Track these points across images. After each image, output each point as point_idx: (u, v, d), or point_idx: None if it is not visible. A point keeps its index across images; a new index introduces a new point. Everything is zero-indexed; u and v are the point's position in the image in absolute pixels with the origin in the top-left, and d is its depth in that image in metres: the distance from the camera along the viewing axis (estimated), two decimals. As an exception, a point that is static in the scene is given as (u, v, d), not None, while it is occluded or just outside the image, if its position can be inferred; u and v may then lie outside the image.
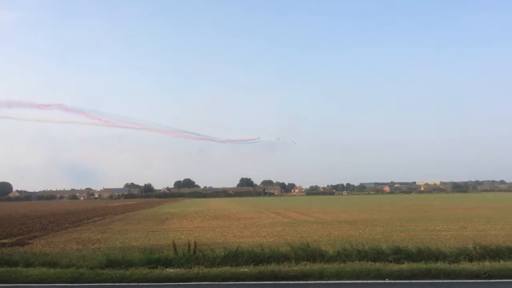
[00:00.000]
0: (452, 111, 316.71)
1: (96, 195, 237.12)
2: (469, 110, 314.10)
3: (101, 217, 47.85)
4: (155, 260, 14.05)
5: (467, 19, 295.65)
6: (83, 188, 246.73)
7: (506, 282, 11.34)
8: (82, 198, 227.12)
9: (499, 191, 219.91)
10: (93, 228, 32.64)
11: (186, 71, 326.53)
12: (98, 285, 12.13)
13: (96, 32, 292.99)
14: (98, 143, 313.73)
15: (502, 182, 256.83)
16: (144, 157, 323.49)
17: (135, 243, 21.60)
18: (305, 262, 13.54)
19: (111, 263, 13.94)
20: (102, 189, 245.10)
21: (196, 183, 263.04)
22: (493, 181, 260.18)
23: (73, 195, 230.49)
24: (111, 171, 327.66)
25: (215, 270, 12.74)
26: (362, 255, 13.97)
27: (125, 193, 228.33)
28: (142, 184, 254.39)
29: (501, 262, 12.89)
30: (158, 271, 12.96)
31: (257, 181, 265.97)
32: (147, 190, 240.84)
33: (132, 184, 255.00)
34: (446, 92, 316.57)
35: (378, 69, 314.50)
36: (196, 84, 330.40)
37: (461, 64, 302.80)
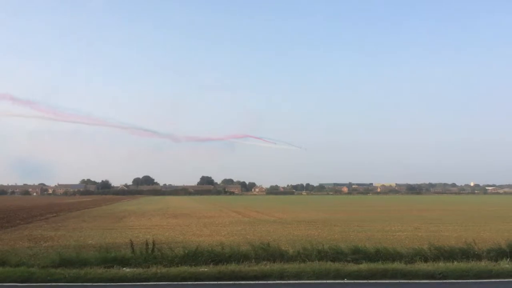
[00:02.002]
0: (406, 117, 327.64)
1: (50, 191, 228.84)
2: (421, 118, 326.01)
3: (54, 214, 46.12)
4: (111, 259, 13.58)
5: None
6: (36, 183, 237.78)
7: (460, 282, 11.69)
8: (35, 194, 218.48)
9: (451, 193, 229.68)
10: (46, 225, 31.41)
11: (149, 67, 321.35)
12: (50, 285, 11.58)
13: (55, 24, 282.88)
14: (51, 137, 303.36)
15: (454, 185, 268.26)
16: (101, 153, 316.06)
17: (90, 241, 20.90)
18: (266, 262, 13.48)
19: (65, 262, 13.36)
20: (56, 185, 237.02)
21: (155, 181, 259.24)
22: (445, 184, 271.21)
23: (25, 190, 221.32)
24: (66, 167, 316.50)
25: (173, 270, 12.45)
26: (322, 255, 14.05)
27: (81, 190, 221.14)
28: (99, 180, 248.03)
29: (455, 263, 13.29)
30: (114, 271, 12.52)
31: (218, 179, 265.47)
32: (104, 187, 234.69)
33: (89, 180, 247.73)
34: (401, 97, 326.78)
35: (339, 71, 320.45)
36: (159, 81, 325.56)
37: (409, 68, 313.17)
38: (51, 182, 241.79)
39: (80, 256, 13.98)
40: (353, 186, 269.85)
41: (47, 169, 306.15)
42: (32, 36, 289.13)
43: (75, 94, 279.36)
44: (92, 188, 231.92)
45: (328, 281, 11.70)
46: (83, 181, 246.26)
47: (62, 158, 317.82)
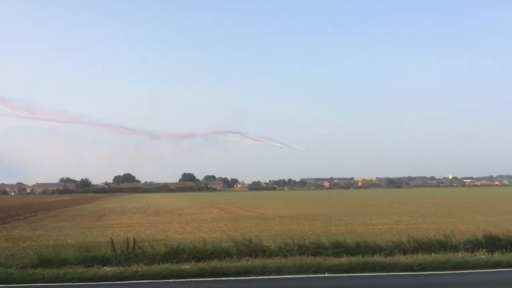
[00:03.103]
0: (384, 113, 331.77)
1: (28, 190, 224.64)
2: (400, 112, 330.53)
3: (33, 213, 45.30)
4: (91, 258, 13.43)
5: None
6: (14, 182, 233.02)
7: (437, 274, 11.93)
8: (12, 193, 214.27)
9: (429, 186, 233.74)
10: (24, 225, 30.85)
11: (128, 64, 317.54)
12: (29, 285, 11.38)
13: (29, 19, 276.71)
14: (27, 135, 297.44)
15: (432, 178, 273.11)
16: (80, 151, 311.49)
17: (70, 241, 20.62)
18: (247, 258, 13.51)
19: (44, 262, 13.16)
20: (35, 184, 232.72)
21: (136, 178, 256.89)
22: (424, 177, 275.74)
23: (2, 190, 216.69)
24: (44, 165, 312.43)
25: (155, 268, 12.39)
26: (303, 249, 14.16)
27: (60, 188, 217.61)
28: (78, 179, 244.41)
29: (433, 254, 13.56)
30: (94, 270, 12.38)
31: (200, 176, 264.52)
32: (84, 185, 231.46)
33: (68, 179, 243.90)
34: (379, 93, 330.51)
35: (315, 65, 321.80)
36: (138, 77, 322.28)
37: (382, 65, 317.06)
38: (29, 181, 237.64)
39: (59, 256, 13.77)
40: (334, 181, 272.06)
41: (25, 168, 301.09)
42: (5, 31, 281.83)
43: (51, 92, 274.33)
44: (71, 186, 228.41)
45: (309, 276, 11.79)
46: (62, 180, 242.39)
47: (40, 157, 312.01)
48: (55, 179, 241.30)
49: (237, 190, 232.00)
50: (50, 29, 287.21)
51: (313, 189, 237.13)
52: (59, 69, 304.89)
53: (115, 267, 12.71)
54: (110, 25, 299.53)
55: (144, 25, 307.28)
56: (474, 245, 14.64)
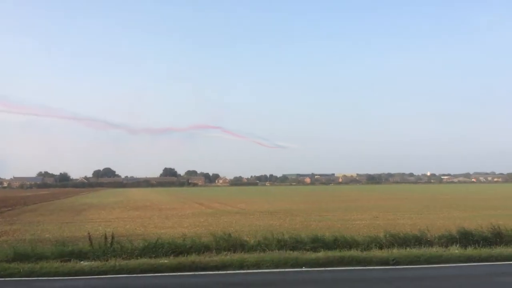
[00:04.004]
0: (364, 110, 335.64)
1: (5, 184, 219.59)
2: (380, 109, 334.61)
3: (10, 208, 44.53)
4: (68, 253, 13.31)
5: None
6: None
7: (411, 268, 12.23)
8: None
9: (408, 183, 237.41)
10: (0, 220, 30.31)
11: (108, 59, 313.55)
12: (4, 280, 11.25)
13: (8, 12, 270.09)
14: (3, 129, 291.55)
15: (411, 174, 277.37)
16: (58, 145, 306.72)
17: (47, 235, 20.38)
18: (226, 252, 13.58)
19: (19, 257, 12.99)
20: (12, 177, 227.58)
21: (116, 173, 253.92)
22: (403, 174, 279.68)
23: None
24: (21, 159, 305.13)
25: (133, 262, 12.35)
26: (282, 244, 14.31)
27: (38, 182, 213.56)
28: (57, 173, 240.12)
29: (408, 249, 13.87)
30: (71, 265, 12.30)
31: (181, 171, 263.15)
32: (63, 180, 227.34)
33: (46, 172, 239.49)
34: (360, 92, 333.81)
35: (294, 62, 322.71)
36: (119, 73, 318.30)
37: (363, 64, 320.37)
38: (5, 175, 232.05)
39: (35, 250, 13.61)
40: (315, 176, 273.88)
41: (1, 162, 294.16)
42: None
43: (29, 86, 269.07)
44: (50, 180, 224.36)
45: (287, 270, 11.94)
46: (40, 174, 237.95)
47: (18, 150, 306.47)
48: (33, 173, 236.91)
49: (219, 186, 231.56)
50: (28, 22, 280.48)
51: (294, 184, 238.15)
52: (37, 63, 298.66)
53: (92, 262, 12.64)
54: (89, 19, 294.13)
55: (124, 19, 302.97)
56: (448, 240, 14.99)
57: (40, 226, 25.06)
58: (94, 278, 11.34)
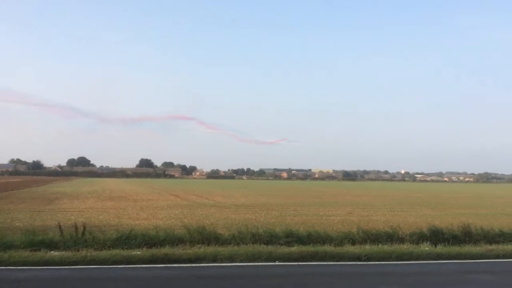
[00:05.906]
0: (344, 109, 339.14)
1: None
2: (356, 108, 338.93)
3: (-22, 195, 43.34)
4: (38, 242, 13.03)
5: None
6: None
7: (382, 264, 12.43)
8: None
9: (383, 180, 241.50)
10: (-32, 207, 29.47)
11: (82, 45, 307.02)
12: (-30, 269, 10.94)
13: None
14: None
15: (386, 172, 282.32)
16: (31, 132, 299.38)
17: (17, 224, 19.89)
18: (200, 245, 13.52)
19: (-14, 246, 12.66)
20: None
21: (91, 162, 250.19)
22: (378, 171, 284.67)
23: None
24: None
25: (104, 253, 12.17)
26: (256, 238, 14.33)
27: (10, 170, 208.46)
28: (30, 160, 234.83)
29: (380, 245, 14.07)
30: (41, 254, 12.03)
31: (158, 162, 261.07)
32: (36, 167, 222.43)
33: (18, 160, 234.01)
34: (337, 88, 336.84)
35: (273, 55, 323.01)
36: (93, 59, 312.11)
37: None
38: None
39: (4, 239, 13.28)
40: (292, 171, 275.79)
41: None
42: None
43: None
44: (22, 168, 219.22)
45: (260, 263, 11.97)
46: (12, 161, 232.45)
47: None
48: (4, 160, 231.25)
49: (196, 178, 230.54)
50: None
51: (271, 179, 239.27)
52: (6, 46, 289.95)
53: (63, 252, 12.41)
54: (61, 2, 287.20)
55: (97, 4, 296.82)
56: (419, 237, 15.29)
57: (10, 214, 24.45)
58: (64, 268, 11.13)
